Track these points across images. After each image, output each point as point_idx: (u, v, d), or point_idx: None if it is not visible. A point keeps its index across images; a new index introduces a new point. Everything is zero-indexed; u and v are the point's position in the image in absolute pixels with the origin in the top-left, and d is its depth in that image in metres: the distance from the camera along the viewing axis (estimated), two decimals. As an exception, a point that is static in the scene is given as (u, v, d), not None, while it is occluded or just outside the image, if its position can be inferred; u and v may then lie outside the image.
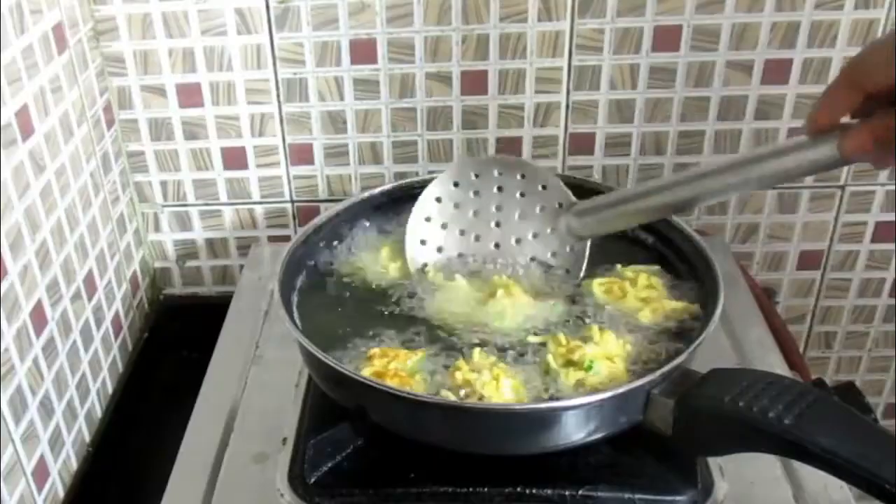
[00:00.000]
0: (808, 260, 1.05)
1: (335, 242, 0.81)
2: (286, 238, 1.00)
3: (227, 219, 1.03)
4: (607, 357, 0.66)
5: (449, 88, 0.94)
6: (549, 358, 0.67)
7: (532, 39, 0.91)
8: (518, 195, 0.77)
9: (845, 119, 0.58)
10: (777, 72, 0.92)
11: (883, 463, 0.51)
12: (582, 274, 0.76)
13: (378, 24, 0.90)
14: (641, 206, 0.71)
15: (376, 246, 0.81)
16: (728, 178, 0.64)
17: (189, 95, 0.94)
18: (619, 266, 0.77)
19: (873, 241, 1.03)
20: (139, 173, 0.99)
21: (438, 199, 0.79)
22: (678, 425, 0.60)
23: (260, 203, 1.02)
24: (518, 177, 0.77)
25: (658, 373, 0.60)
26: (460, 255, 0.79)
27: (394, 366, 0.66)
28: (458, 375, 0.64)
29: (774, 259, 1.05)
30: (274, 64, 0.93)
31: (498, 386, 0.63)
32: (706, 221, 1.02)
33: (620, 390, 0.60)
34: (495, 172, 0.78)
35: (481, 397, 0.63)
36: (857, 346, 1.11)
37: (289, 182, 1.00)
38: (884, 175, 0.99)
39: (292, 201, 1.01)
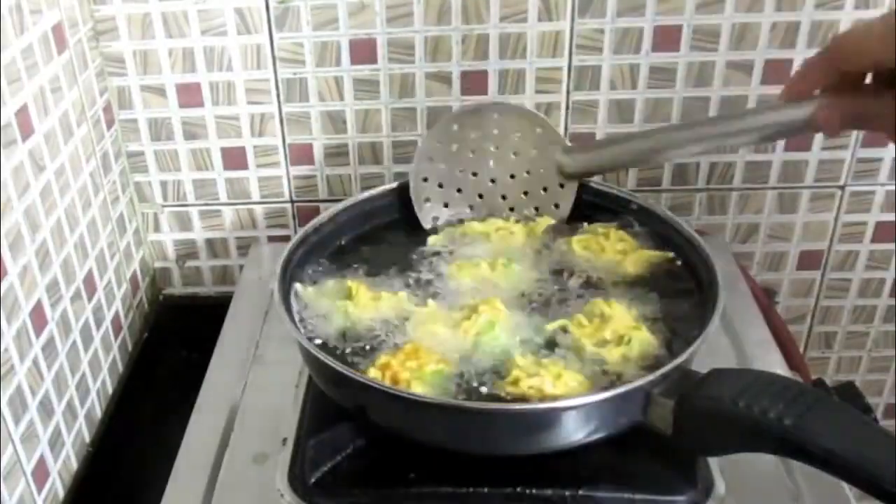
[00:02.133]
0: (808, 260, 1.05)
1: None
2: (286, 238, 1.00)
3: (227, 219, 1.03)
4: (633, 327, 0.68)
5: (449, 88, 0.94)
6: (585, 342, 0.67)
7: (532, 39, 0.91)
8: (515, 137, 0.80)
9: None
10: (777, 72, 0.92)
11: (883, 463, 0.51)
12: (569, 210, 0.81)
13: (378, 24, 0.90)
14: (628, 148, 0.78)
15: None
16: (707, 129, 0.73)
17: (189, 95, 0.94)
18: (585, 224, 0.81)
19: (873, 241, 1.03)
20: (139, 173, 0.99)
21: (431, 159, 0.82)
22: (678, 425, 0.60)
23: (260, 203, 1.02)
24: (514, 117, 0.80)
25: (658, 373, 0.60)
26: (460, 191, 0.82)
27: (411, 364, 0.65)
28: (523, 384, 0.63)
29: (774, 259, 1.05)
30: (274, 64, 0.93)
31: (564, 381, 0.63)
32: (706, 221, 1.02)
33: (620, 390, 0.60)
34: (494, 115, 0.80)
35: (556, 398, 0.62)
36: (857, 347, 1.11)
37: (289, 182, 1.00)
38: (884, 175, 0.99)
39: (292, 201, 1.01)
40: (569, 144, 0.81)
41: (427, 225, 0.82)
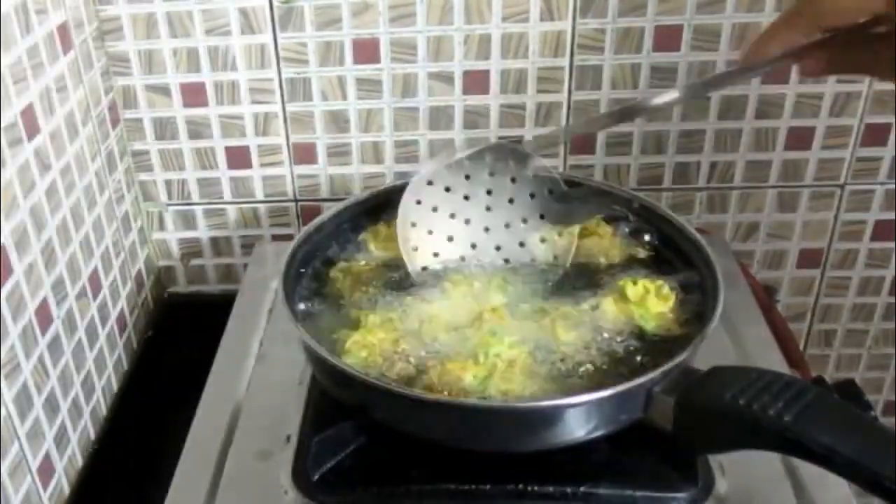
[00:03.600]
0: (809, 258, 1.05)
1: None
2: (289, 237, 1.00)
3: (231, 217, 1.03)
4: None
5: (451, 88, 0.94)
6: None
7: (534, 39, 0.92)
8: (509, 181, 0.75)
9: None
10: (777, 72, 0.93)
11: (883, 460, 0.51)
12: (569, 261, 0.76)
13: (381, 24, 0.91)
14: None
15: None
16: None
17: (193, 95, 0.95)
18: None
19: (873, 239, 1.04)
20: (144, 172, 1.00)
21: (418, 202, 0.76)
22: (679, 423, 0.60)
23: (263, 202, 1.02)
24: (509, 162, 0.74)
25: (659, 370, 0.61)
26: (451, 240, 0.77)
27: (448, 378, 0.64)
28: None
29: (775, 257, 1.05)
30: (277, 63, 0.93)
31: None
32: (706, 220, 1.02)
33: (621, 388, 0.61)
34: (487, 159, 0.75)
35: None
36: (856, 344, 1.12)
37: (292, 181, 1.01)
38: (883, 174, 0.99)
39: (296, 200, 1.02)
40: (564, 187, 0.75)
41: (415, 272, 0.75)
